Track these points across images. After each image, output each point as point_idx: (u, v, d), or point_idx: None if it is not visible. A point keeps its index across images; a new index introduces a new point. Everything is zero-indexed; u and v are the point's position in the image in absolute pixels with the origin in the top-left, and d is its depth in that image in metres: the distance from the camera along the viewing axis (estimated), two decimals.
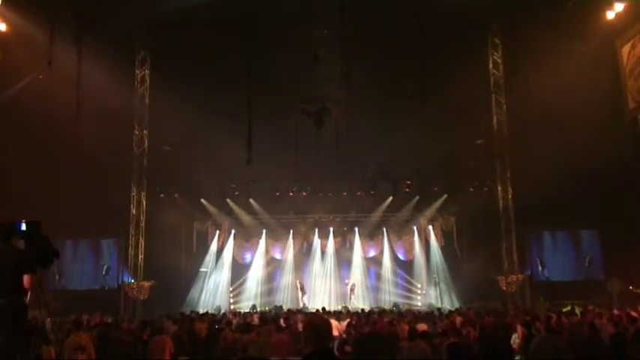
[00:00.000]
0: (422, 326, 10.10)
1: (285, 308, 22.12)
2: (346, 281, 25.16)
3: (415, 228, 26.06)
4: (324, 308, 19.60)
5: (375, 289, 25.59)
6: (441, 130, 19.90)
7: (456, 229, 25.12)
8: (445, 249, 25.34)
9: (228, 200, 25.22)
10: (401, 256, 26.18)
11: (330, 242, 26.00)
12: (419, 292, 25.50)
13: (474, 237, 23.94)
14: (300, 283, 25.02)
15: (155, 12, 18.73)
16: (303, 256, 26.13)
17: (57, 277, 22.97)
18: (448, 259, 25.06)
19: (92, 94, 17.60)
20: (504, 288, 22.79)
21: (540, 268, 23.57)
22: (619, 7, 16.84)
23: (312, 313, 19.35)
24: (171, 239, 23.80)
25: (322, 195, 24.90)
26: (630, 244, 18.91)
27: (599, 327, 10.81)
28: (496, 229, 23.30)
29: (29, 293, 4.66)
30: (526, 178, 21.15)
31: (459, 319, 13.06)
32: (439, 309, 19.57)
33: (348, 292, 24.73)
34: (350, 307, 22.61)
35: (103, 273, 23.76)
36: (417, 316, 15.79)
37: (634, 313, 12.58)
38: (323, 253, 25.94)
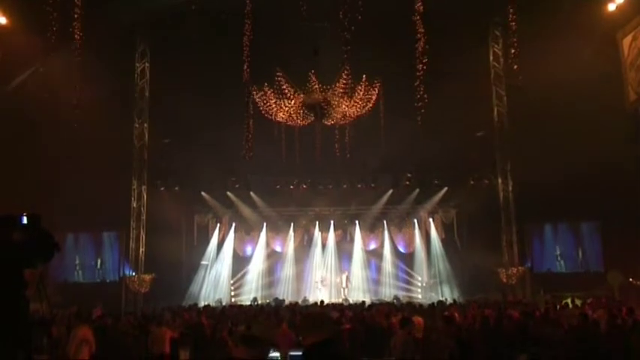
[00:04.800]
0: (418, 319, 10.12)
1: (286, 301, 22.19)
2: (316, 280, 25.26)
3: (416, 221, 26.10)
4: (322, 301, 19.64)
5: (375, 282, 25.64)
6: (441, 123, 19.87)
7: (456, 221, 25.19)
8: (445, 241, 25.39)
9: (228, 193, 25.24)
10: (401, 249, 26.23)
11: (331, 235, 26.05)
12: (419, 284, 25.56)
13: (474, 229, 23.98)
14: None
15: (154, 5, 18.68)
16: (304, 248, 26.18)
17: (75, 271, 23.24)
18: (448, 252, 25.12)
19: (92, 87, 17.57)
20: (505, 280, 22.84)
21: (558, 260, 23.65)
22: None
23: (312, 305, 19.44)
24: (172, 232, 23.84)
25: (323, 188, 24.94)
26: (631, 236, 18.92)
27: (597, 319, 10.89)
28: (496, 222, 23.32)
29: (30, 287, 4.68)
30: (526, 171, 21.17)
31: (457, 313, 13.11)
32: (441, 301, 19.59)
33: (318, 287, 24.89)
34: (350, 300, 22.73)
35: (98, 267, 23.88)
36: (416, 309, 15.84)
37: None
38: (324, 245, 25.99)
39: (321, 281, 25.04)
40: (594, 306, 15.04)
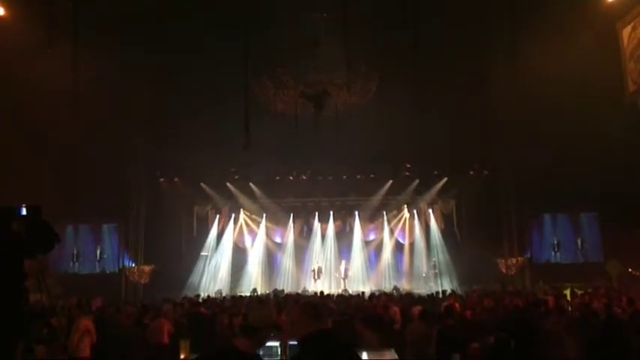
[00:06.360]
0: (418, 309, 10.15)
1: (286, 292, 22.22)
2: (313, 269, 25.29)
3: (415, 211, 26.12)
4: (322, 292, 19.70)
5: (375, 273, 25.68)
6: (441, 113, 19.85)
7: (455, 212, 25.20)
8: (445, 232, 25.41)
9: (228, 184, 25.25)
10: (401, 240, 26.27)
11: (331, 226, 26.06)
12: (419, 275, 25.57)
13: (473, 220, 23.99)
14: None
15: None
16: (304, 239, 26.20)
17: (75, 262, 23.29)
18: (448, 243, 25.14)
19: (92, 77, 17.52)
20: (504, 271, 22.90)
21: (557, 251, 23.68)
22: None
23: (312, 296, 19.47)
24: (172, 223, 23.88)
25: (322, 178, 24.95)
26: (630, 226, 18.95)
27: (596, 309, 10.92)
28: (496, 212, 23.35)
29: (30, 278, 4.69)
30: (526, 162, 21.19)
31: (457, 303, 13.13)
32: (443, 292, 19.61)
33: (315, 276, 24.93)
34: (350, 291, 22.78)
35: (97, 258, 23.90)
36: (415, 299, 15.87)
37: None
38: (323, 236, 26.00)
39: (317, 272, 24.98)
40: (593, 296, 15.08)
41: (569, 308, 12.56)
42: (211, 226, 25.77)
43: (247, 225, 26.44)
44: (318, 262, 25.34)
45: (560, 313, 10.50)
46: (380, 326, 11.46)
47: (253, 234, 26.28)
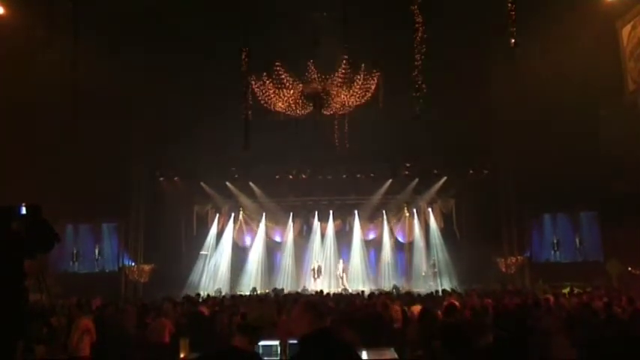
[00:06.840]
0: (416, 308, 10.15)
1: (285, 291, 22.22)
2: (313, 267, 25.27)
3: (415, 210, 26.12)
4: (321, 291, 19.70)
5: (374, 272, 25.70)
6: (440, 113, 19.84)
7: (455, 211, 25.20)
8: (444, 231, 25.42)
9: (227, 183, 25.25)
10: (400, 239, 26.26)
11: (330, 225, 26.07)
12: (418, 274, 25.56)
13: (473, 219, 23.99)
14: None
15: None
16: (303, 238, 26.21)
17: (74, 261, 23.29)
18: (447, 242, 25.14)
19: (92, 79, 17.50)
20: (504, 270, 22.89)
21: (556, 250, 23.67)
22: None
23: (311, 295, 19.46)
24: (172, 223, 23.88)
25: (322, 178, 24.93)
26: (629, 226, 18.94)
27: (596, 308, 10.92)
28: (496, 212, 23.33)
29: (30, 278, 4.69)
30: (525, 161, 21.18)
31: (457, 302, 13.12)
32: (443, 290, 19.61)
33: (314, 275, 24.92)
34: (350, 290, 22.80)
35: (97, 257, 23.88)
36: (415, 298, 15.86)
37: None
38: (323, 235, 26.00)
39: (317, 271, 24.97)
40: (592, 296, 15.08)
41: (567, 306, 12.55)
42: (211, 225, 25.78)
43: (247, 224, 26.47)
44: (317, 261, 25.35)
45: (559, 312, 10.51)
46: (380, 325, 11.47)
47: (253, 233, 26.29)
